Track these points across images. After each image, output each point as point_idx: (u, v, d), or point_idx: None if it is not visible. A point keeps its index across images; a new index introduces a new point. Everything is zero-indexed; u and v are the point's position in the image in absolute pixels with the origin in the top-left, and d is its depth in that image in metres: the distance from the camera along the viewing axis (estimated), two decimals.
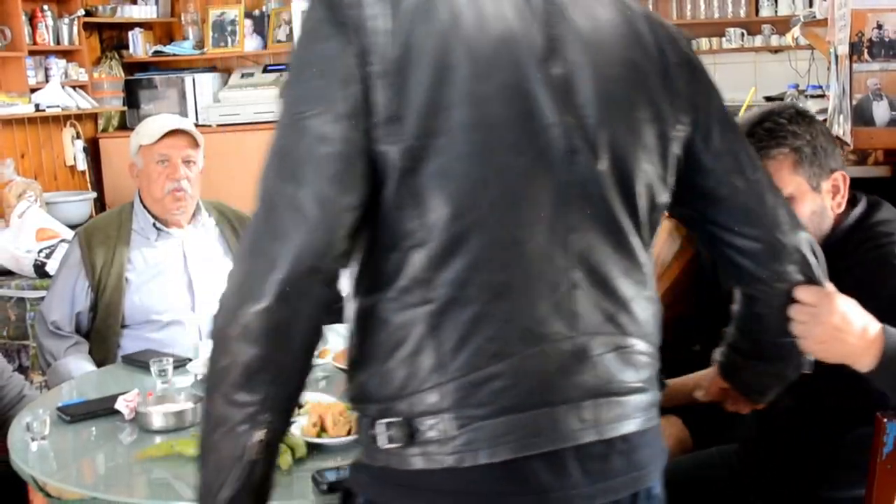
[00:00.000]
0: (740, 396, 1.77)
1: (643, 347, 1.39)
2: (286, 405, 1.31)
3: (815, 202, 1.98)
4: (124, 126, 6.03)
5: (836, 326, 1.54)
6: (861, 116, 2.70)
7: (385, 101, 1.24)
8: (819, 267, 1.56)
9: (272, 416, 1.27)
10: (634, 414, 1.38)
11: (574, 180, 1.31)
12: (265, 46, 6.13)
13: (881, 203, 2.05)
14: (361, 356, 1.33)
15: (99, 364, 2.87)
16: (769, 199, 1.51)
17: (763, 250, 1.51)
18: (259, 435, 1.26)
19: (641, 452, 1.40)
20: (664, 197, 1.42)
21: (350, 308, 1.36)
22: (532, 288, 1.30)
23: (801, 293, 1.52)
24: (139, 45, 6.15)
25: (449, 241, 1.26)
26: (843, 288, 1.61)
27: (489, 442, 1.28)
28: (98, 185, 5.83)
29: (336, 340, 2.76)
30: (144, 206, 3.07)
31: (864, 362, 1.60)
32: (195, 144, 3.07)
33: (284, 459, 1.84)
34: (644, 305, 1.39)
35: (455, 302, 1.27)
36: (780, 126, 1.98)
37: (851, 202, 2.04)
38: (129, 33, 6.14)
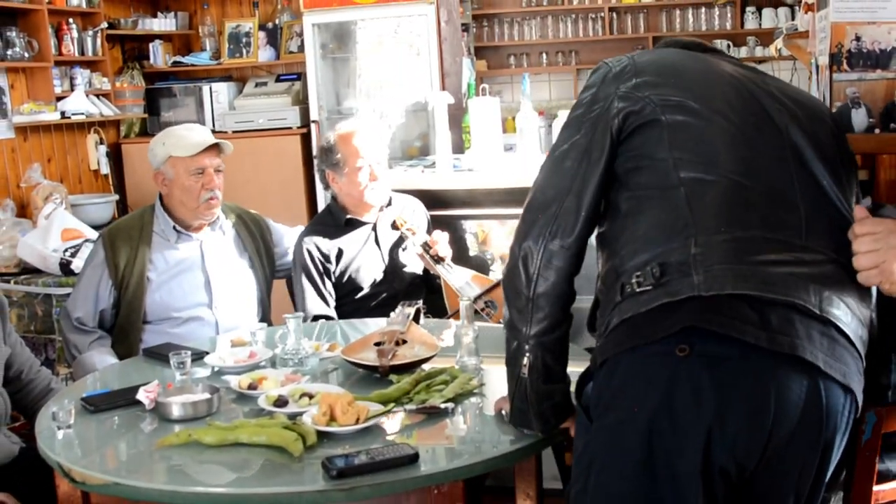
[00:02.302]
0: None
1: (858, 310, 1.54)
2: None
3: None
4: (145, 132, 6.03)
5: None
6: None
7: None
8: None
9: None
10: (852, 323, 1.49)
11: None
12: (278, 57, 6.13)
13: (884, 205, 2.12)
14: None
15: (121, 357, 2.87)
16: None
17: None
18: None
19: (850, 363, 1.48)
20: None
21: None
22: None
23: (866, 225, 1.49)
24: (159, 56, 6.15)
25: None
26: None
27: (731, 280, 1.44)
28: (120, 187, 5.84)
29: (352, 334, 2.77)
30: (166, 210, 3.07)
31: None
32: (221, 152, 3.08)
33: (296, 447, 1.85)
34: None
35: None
36: None
37: None
38: (150, 45, 6.15)
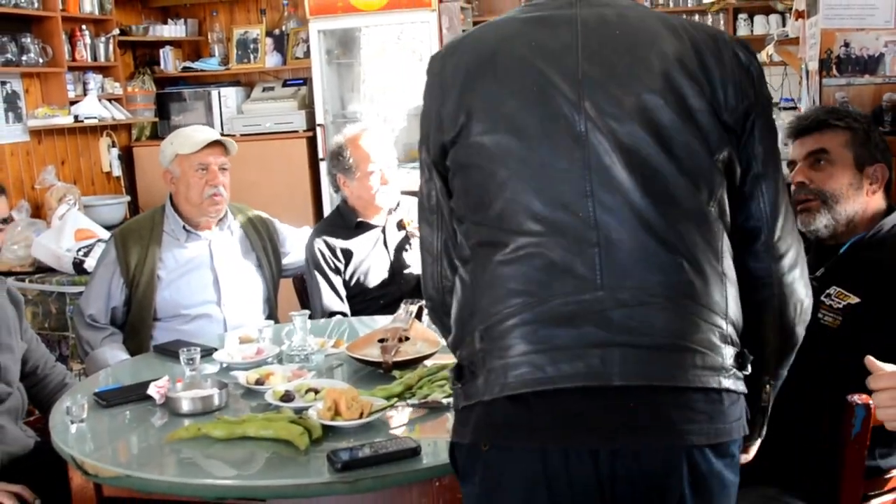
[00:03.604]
0: None
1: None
2: None
3: (854, 177, 2.10)
4: (156, 135, 6.03)
5: None
6: None
7: None
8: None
9: None
10: (680, 366, 1.32)
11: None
12: (284, 62, 6.13)
13: None
14: None
15: (133, 353, 2.88)
16: None
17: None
18: None
19: (672, 415, 1.32)
20: None
21: None
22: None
23: (882, 380, 1.38)
24: (169, 62, 6.15)
25: None
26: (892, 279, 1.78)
27: (508, 380, 1.33)
28: (132, 189, 5.84)
29: (361, 330, 2.77)
30: (175, 210, 3.07)
31: None
32: (227, 152, 3.08)
33: (302, 440, 1.85)
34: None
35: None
36: (843, 111, 2.20)
37: None
38: (161, 51, 6.14)
